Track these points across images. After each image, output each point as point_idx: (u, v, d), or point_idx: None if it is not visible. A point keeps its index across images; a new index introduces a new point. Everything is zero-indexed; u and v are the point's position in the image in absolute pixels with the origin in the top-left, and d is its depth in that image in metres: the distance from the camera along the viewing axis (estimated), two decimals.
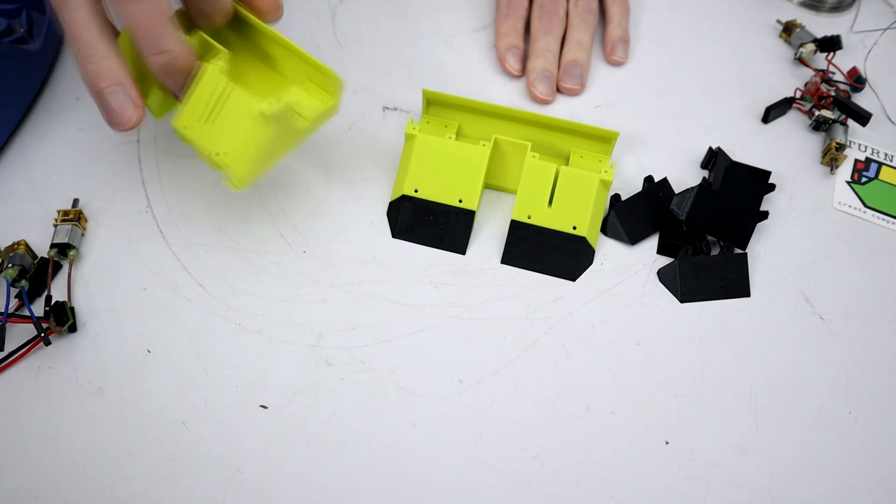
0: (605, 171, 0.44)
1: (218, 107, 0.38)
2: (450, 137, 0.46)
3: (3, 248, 0.41)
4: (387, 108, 0.51)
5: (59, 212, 0.43)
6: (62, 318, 0.39)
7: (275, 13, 0.41)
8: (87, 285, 0.42)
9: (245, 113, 0.38)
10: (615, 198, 0.47)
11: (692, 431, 0.39)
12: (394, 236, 0.45)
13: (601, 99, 0.53)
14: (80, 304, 0.41)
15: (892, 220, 0.49)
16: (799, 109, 0.54)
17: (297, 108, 0.41)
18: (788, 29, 0.58)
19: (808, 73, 0.56)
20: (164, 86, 0.39)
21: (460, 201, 0.44)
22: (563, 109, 0.52)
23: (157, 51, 0.36)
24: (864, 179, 0.51)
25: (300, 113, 0.41)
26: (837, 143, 0.50)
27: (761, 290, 0.45)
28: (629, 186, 0.48)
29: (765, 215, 0.46)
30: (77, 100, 0.50)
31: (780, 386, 0.41)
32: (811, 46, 0.55)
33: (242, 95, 0.38)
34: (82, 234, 0.43)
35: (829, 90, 0.53)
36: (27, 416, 0.38)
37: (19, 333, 0.39)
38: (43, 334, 0.38)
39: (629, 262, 0.45)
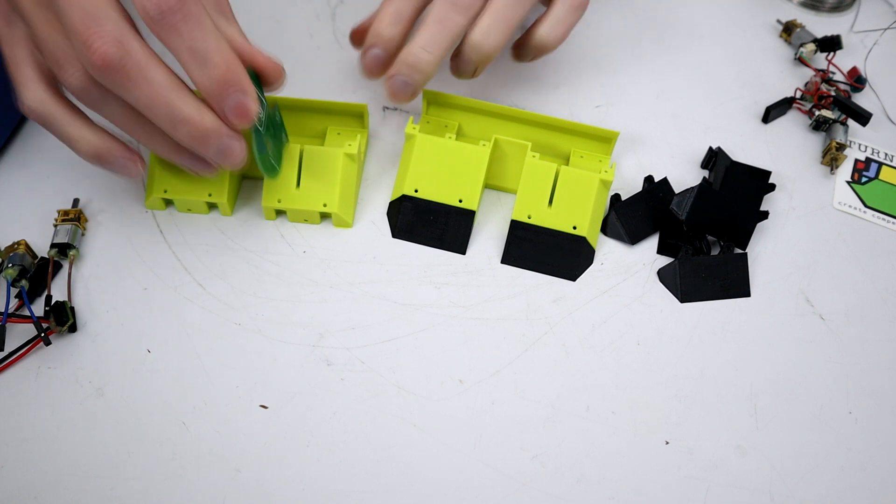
0: (605, 171, 0.44)
1: (299, 169, 0.43)
2: (450, 137, 0.46)
3: (3, 248, 0.41)
4: (387, 108, 0.51)
5: (59, 212, 0.43)
6: (62, 318, 0.39)
7: (279, 81, 0.39)
8: (87, 285, 0.42)
9: (332, 160, 0.43)
10: (615, 198, 0.47)
11: (692, 431, 0.39)
12: (394, 236, 0.45)
13: (601, 99, 0.53)
14: (80, 304, 0.41)
15: (892, 220, 0.49)
16: (799, 109, 0.54)
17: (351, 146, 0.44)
18: (788, 29, 0.58)
19: (808, 73, 0.56)
20: (200, 154, 0.37)
21: (460, 201, 0.44)
22: (563, 109, 0.52)
23: (176, 121, 0.34)
24: (864, 179, 0.51)
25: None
26: (837, 143, 0.50)
27: (761, 291, 0.45)
28: (629, 186, 0.48)
29: (765, 215, 0.46)
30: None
31: (780, 386, 0.41)
32: (811, 46, 0.55)
33: (321, 148, 0.43)
34: (82, 234, 0.43)
35: (829, 90, 0.53)
36: (27, 416, 0.38)
37: (19, 333, 0.39)
38: (43, 334, 0.38)
39: (629, 262, 0.45)
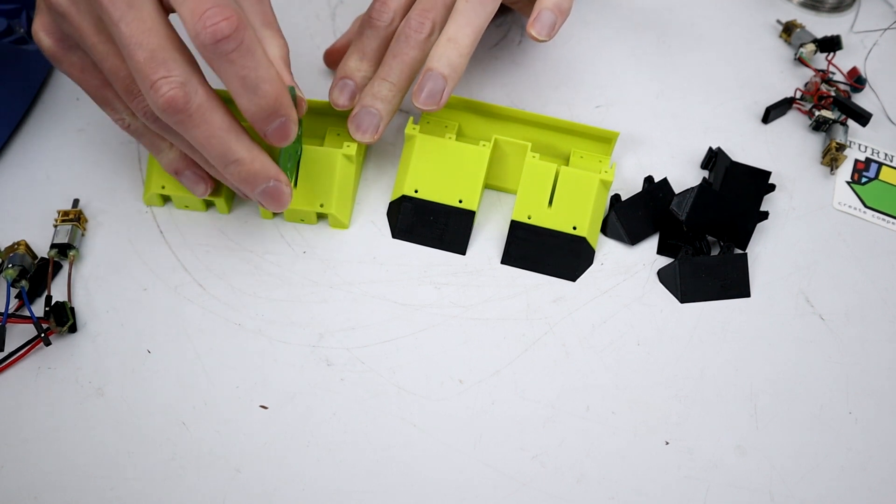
0: (605, 172, 0.44)
1: (299, 167, 0.43)
2: (450, 137, 0.46)
3: (3, 249, 0.41)
4: None
5: (59, 212, 0.43)
6: (62, 319, 0.39)
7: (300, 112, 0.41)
8: (87, 285, 0.42)
9: (330, 160, 0.43)
10: (615, 198, 0.47)
11: (692, 431, 0.39)
12: (394, 236, 0.45)
13: (601, 99, 0.53)
14: (80, 304, 0.41)
15: (892, 220, 0.49)
16: (799, 109, 0.54)
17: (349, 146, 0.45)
18: (788, 29, 0.58)
19: (808, 74, 0.56)
20: (246, 193, 0.39)
21: (460, 201, 0.44)
22: (563, 109, 0.52)
23: (228, 161, 0.36)
24: (864, 180, 0.51)
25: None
26: (837, 144, 0.50)
27: (761, 291, 0.45)
28: (629, 186, 0.48)
29: (765, 215, 0.46)
30: (77, 100, 0.50)
31: (780, 386, 0.41)
32: (811, 46, 0.55)
33: (319, 149, 0.43)
34: (82, 235, 0.43)
35: (829, 90, 0.53)
36: (27, 416, 0.38)
37: (19, 334, 0.39)
38: (43, 334, 0.38)
39: (629, 262, 0.45)
